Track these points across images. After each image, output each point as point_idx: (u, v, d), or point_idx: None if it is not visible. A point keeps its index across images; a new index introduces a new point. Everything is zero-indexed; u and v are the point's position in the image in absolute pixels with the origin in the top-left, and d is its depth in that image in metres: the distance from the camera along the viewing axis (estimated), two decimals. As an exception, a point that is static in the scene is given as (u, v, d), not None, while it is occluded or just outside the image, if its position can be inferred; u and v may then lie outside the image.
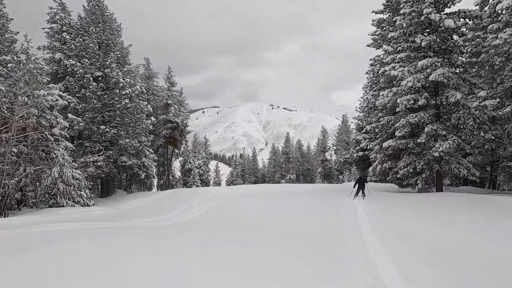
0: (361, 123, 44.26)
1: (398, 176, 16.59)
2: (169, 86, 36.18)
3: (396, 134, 15.66)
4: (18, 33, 19.87)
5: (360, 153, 42.06)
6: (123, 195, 25.66)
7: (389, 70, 15.52)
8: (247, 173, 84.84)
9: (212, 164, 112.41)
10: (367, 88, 21.79)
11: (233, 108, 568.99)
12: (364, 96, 44.06)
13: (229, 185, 72.87)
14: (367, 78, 23.52)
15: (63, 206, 15.65)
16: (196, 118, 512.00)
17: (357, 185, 15.62)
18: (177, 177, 49.01)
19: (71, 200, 16.23)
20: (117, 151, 24.22)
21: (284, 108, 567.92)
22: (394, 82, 16.37)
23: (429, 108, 15.51)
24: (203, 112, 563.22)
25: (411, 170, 15.89)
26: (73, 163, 16.92)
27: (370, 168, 35.64)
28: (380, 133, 19.61)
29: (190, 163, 45.33)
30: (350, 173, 42.80)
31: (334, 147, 67.44)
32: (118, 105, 22.63)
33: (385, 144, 16.52)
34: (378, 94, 18.62)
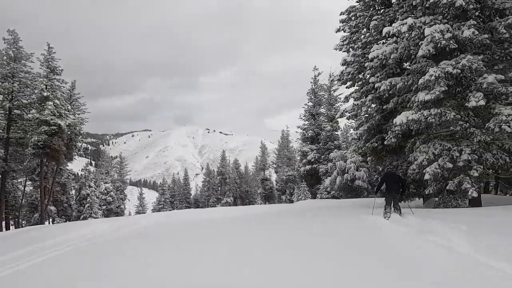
0: (306, 133, 38.71)
1: (426, 177, 9.08)
2: (48, 72, 24.97)
3: (419, 98, 8.39)
4: None
5: (308, 167, 35.87)
6: None
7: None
8: (178, 199, 73.55)
9: (136, 191, 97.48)
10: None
11: (166, 132, 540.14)
12: (308, 103, 39.21)
13: (155, 212, 60.59)
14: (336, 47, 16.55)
15: None
16: (124, 142, 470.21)
17: (384, 186, 7.87)
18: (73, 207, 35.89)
19: None
20: None
21: (220, 132, 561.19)
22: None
23: (483, 47, 8.79)
24: (133, 135, 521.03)
25: (447, 166, 8.63)
26: None
27: (327, 181, 29.00)
28: (368, 110, 12.46)
29: (89, 187, 33.09)
30: (300, 191, 35.94)
31: (274, 165, 61.53)
32: None
33: (398, 120, 8.93)
34: (361, 55, 11.60)
